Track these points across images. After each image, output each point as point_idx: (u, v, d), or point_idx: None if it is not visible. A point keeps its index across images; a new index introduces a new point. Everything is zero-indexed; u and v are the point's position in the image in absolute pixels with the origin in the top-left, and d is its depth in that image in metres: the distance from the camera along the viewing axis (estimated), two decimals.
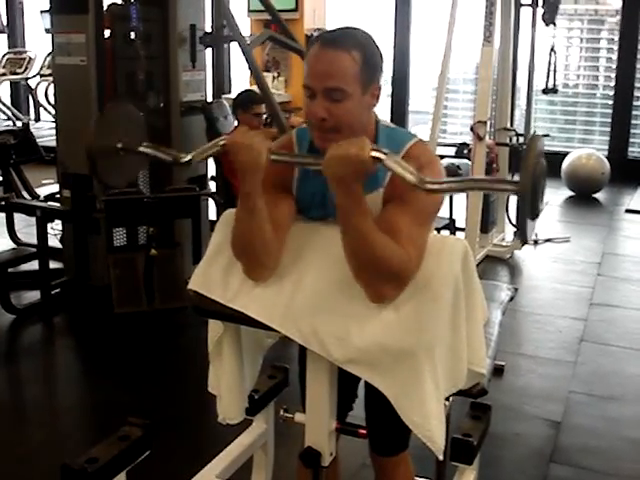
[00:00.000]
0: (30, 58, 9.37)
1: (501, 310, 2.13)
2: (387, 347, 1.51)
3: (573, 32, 8.80)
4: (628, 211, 6.79)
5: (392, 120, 7.78)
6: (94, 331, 3.99)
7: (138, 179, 4.28)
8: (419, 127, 8.78)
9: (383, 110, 8.62)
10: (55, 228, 4.57)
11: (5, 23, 10.15)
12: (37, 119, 9.90)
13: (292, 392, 2.04)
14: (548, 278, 4.98)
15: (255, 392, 2.00)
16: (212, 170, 4.70)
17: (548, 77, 5.70)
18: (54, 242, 4.53)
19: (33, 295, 4.23)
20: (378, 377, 1.53)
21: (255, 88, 4.47)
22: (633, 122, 8.30)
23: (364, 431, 1.78)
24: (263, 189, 1.56)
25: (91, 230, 4.17)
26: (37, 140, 5.69)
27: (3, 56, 9.56)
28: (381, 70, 1.59)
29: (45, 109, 9.70)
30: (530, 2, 5.39)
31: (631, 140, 8.34)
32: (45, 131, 8.37)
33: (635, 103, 8.26)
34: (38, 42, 9.51)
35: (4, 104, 9.66)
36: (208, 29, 4.52)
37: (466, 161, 4.92)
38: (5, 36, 10.23)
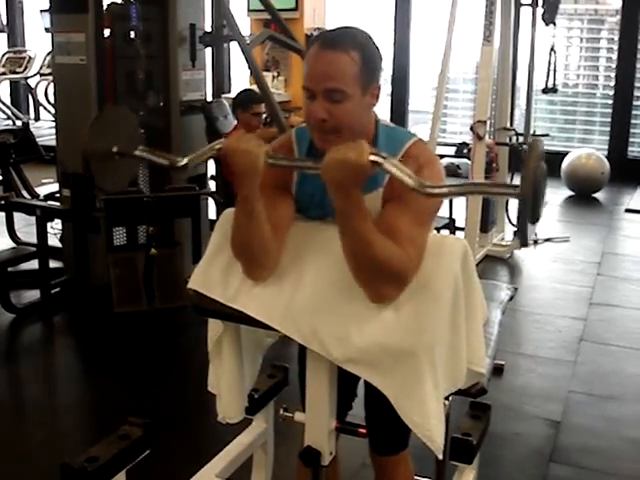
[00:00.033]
0: (30, 57, 9.34)
1: (501, 310, 2.13)
2: (387, 347, 1.50)
3: (573, 32, 8.80)
4: (628, 211, 6.80)
5: (392, 119, 7.73)
6: (94, 330, 3.99)
7: (138, 178, 4.28)
8: (419, 126, 8.77)
9: (383, 109, 8.62)
10: (55, 227, 4.57)
11: (5, 22, 10.15)
12: (37, 118, 9.89)
13: (292, 391, 2.04)
14: (548, 278, 4.98)
15: (255, 391, 2.00)
16: (212, 169, 4.70)
17: (548, 77, 5.70)
18: (54, 241, 4.53)
19: (33, 294, 4.23)
20: (378, 377, 1.53)
21: (255, 87, 4.47)
22: (633, 122, 8.31)
23: (364, 430, 1.78)
24: (263, 191, 1.56)
25: (91, 229, 4.17)
26: (37, 139, 5.69)
27: (3, 55, 9.54)
28: (381, 70, 1.59)
29: (45, 108, 9.68)
30: (530, 2, 5.39)
31: (631, 140, 8.35)
32: (45, 130, 8.35)
33: (635, 103, 8.27)
34: (38, 41, 9.50)
35: (4, 103, 9.64)
36: (208, 28, 4.52)
37: (466, 160, 4.93)
38: (5, 35, 10.24)
